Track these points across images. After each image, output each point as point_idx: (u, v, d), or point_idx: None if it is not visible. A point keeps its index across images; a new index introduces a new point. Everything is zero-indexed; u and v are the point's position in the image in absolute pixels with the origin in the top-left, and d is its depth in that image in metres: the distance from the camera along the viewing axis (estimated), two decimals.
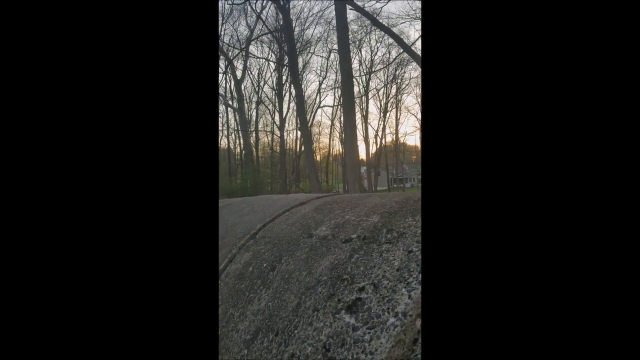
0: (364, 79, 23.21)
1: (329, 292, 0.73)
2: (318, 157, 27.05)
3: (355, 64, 22.41)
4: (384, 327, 0.58)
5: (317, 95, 23.43)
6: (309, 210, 1.24)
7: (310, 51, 20.84)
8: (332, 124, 25.21)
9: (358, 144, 9.78)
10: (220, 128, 21.25)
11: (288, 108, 20.99)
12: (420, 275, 0.63)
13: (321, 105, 23.98)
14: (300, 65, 20.21)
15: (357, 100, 22.00)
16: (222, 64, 18.83)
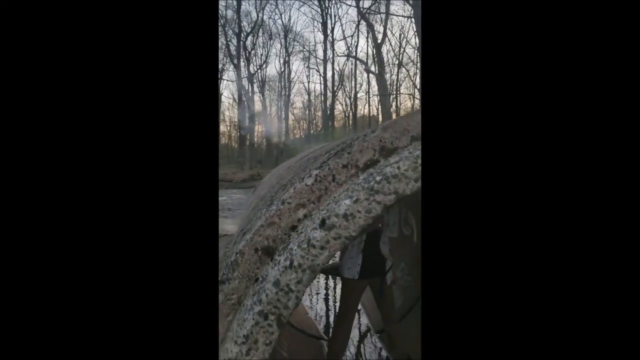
0: None
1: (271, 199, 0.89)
2: None
3: None
4: (266, 211, 0.71)
5: None
6: None
7: None
8: None
9: None
10: (360, 95, 21.63)
11: None
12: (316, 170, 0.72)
13: None
14: None
15: None
16: (362, 29, 18.81)
